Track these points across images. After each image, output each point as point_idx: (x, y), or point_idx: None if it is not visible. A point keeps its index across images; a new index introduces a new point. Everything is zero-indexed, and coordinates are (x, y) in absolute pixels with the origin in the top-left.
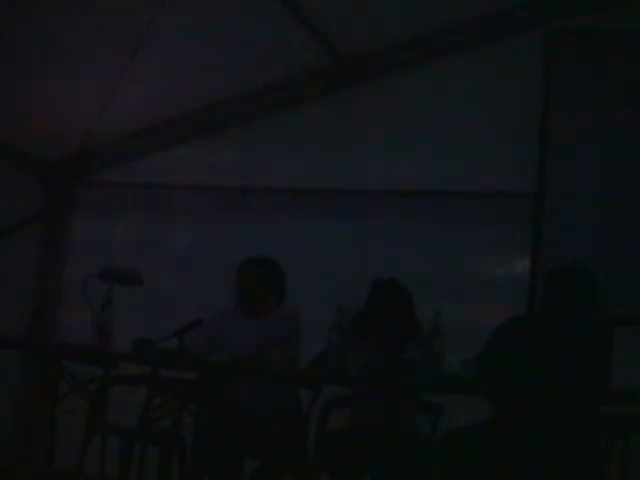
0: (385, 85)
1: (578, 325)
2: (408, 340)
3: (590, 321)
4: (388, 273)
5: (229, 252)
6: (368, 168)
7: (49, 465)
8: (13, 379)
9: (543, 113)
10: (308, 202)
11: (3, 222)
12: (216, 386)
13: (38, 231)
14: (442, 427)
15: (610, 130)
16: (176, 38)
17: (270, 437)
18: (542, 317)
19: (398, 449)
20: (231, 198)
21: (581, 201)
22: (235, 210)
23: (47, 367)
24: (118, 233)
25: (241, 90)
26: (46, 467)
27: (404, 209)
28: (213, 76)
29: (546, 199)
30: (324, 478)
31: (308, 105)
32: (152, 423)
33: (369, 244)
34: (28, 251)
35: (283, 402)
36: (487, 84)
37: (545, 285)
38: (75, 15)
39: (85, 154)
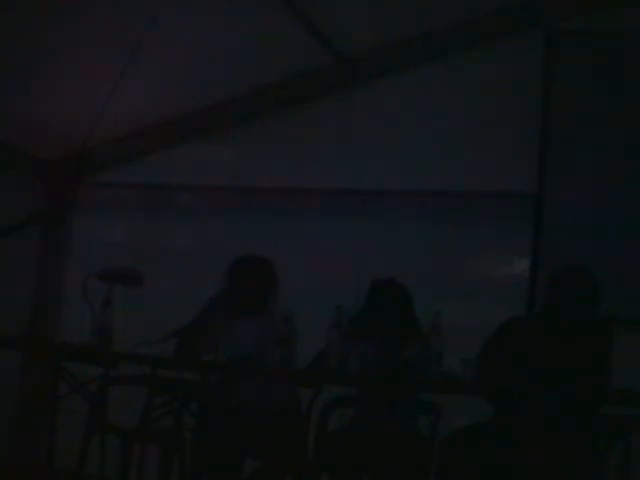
0: (385, 85)
1: (578, 325)
2: (408, 340)
3: (590, 321)
4: (388, 273)
5: (229, 252)
6: (368, 168)
7: (49, 465)
8: (13, 379)
9: (543, 113)
10: (308, 202)
11: (3, 222)
12: (216, 386)
13: (38, 231)
14: (442, 427)
15: (610, 130)
16: (176, 38)
17: (270, 437)
18: (542, 317)
19: (398, 449)
20: (231, 198)
21: (581, 201)
22: (235, 210)
23: (47, 367)
24: (118, 233)
25: (241, 90)
26: (46, 467)
27: (404, 209)
28: (213, 76)
29: (546, 199)
30: (324, 478)
31: (308, 105)
32: (152, 423)
33: (369, 244)
34: (28, 251)
35: (283, 402)
36: (487, 84)
37: (549, 286)
38: (75, 15)
39: (85, 154)
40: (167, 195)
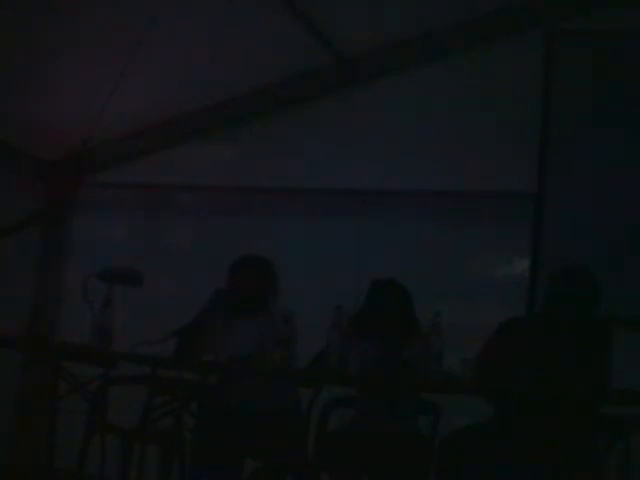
0: (385, 85)
1: (578, 325)
2: (408, 340)
3: (590, 321)
4: (388, 273)
5: (229, 252)
6: (368, 168)
7: (49, 465)
8: (13, 379)
9: (543, 113)
10: (308, 202)
11: (3, 222)
12: (216, 386)
13: (38, 231)
14: (442, 427)
15: (610, 130)
16: (176, 38)
17: (270, 437)
18: (542, 317)
19: (398, 449)
20: (231, 198)
21: (581, 201)
22: (235, 210)
23: (47, 367)
24: (118, 233)
25: (241, 90)
26: (46, 467)
27: (404, 209)
28: (213, 76)
29: (546, 199)
30: (324, 478)
31: (308, 105)
32: (152, 423)
33: (369, 244)
34: (28, 251)
35: (283, 402)
36: (487, 84)
37: (549, 286)
38: (75, 15)
39: (85, 154)
40: (167, 195)
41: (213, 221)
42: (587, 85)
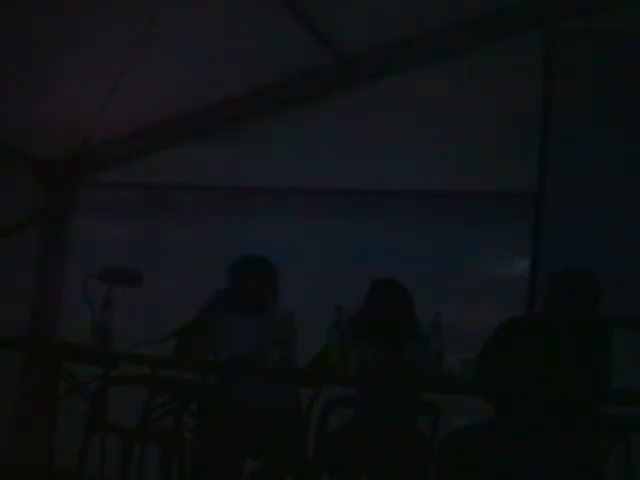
0: (385, 85)
1: (578, 325)
2: (408, 340)
3: (590, 321)
4: (388, 273)
5: (229, 252)
6: (368, 168)
7: (49, 465)
8: (13, 379)
9: (543, 113)
10: (308, 202)
11: (3, 222)
12: (216, 386)
13: (38, 231)
14: (442, 427)
15: (610, 130)
16: (176, 38)
17: (270, 437)
18: (542, 317)
19: (398, 449)
20: (231, 198)
21: (581, 201)
22: (235, 210)
23: (47, 367)
24: (118, 233)
25: (241, 90)
26: (46, 467)
27: (404, 209)
28: (213, 76)
29: (546, 199)
30: (324, 478)
31: (308, 105)
32: (152, 423)
33: (369, 244)
34: (28, 251)
35: (283, 402)
36: (487, 84)
37: (549, 286)
38: (75, 15)
39: (85, 154)
40: (167, 195)
41: (213, 221)
42: (587, 85)
